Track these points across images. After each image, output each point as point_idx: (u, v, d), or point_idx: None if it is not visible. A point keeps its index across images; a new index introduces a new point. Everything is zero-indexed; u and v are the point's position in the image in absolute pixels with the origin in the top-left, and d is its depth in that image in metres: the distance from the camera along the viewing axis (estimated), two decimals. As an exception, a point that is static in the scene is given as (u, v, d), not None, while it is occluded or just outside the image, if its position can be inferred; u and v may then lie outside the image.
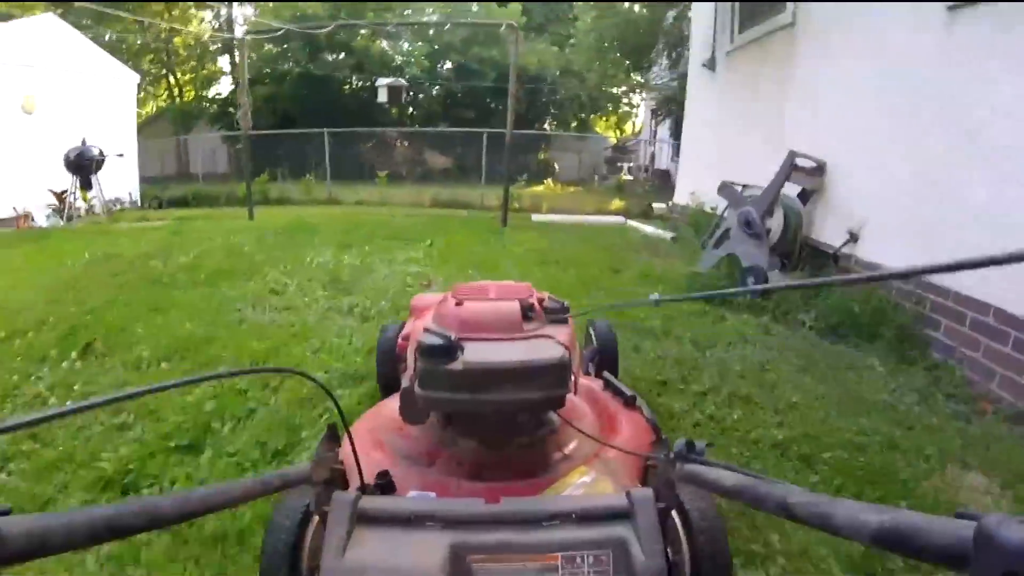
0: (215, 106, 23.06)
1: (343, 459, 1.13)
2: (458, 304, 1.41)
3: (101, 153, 10.31)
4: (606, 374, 1.83)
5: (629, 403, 1.62)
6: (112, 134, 11.45)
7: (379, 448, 1.41)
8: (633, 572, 0.89)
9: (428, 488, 1.28)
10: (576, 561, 0.92)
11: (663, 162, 21.20)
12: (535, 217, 10.59)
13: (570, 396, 1.27)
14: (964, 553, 0.48)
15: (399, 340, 2.32)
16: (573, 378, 1.26)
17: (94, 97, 11.59)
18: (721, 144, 7.74)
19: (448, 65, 22.94)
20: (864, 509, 0.59)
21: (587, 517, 0.96)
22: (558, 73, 22.72)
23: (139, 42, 21.12)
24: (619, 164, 23.19)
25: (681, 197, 9.49)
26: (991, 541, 0.46)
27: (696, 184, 8.34)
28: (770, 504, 0.72)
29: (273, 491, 0.98)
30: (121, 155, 10.99)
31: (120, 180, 11.81)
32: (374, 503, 0.98)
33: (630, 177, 20.47)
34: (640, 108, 26.67)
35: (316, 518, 1.08)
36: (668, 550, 0.95)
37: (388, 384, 2.55)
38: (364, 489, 1.12)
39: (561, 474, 1.32)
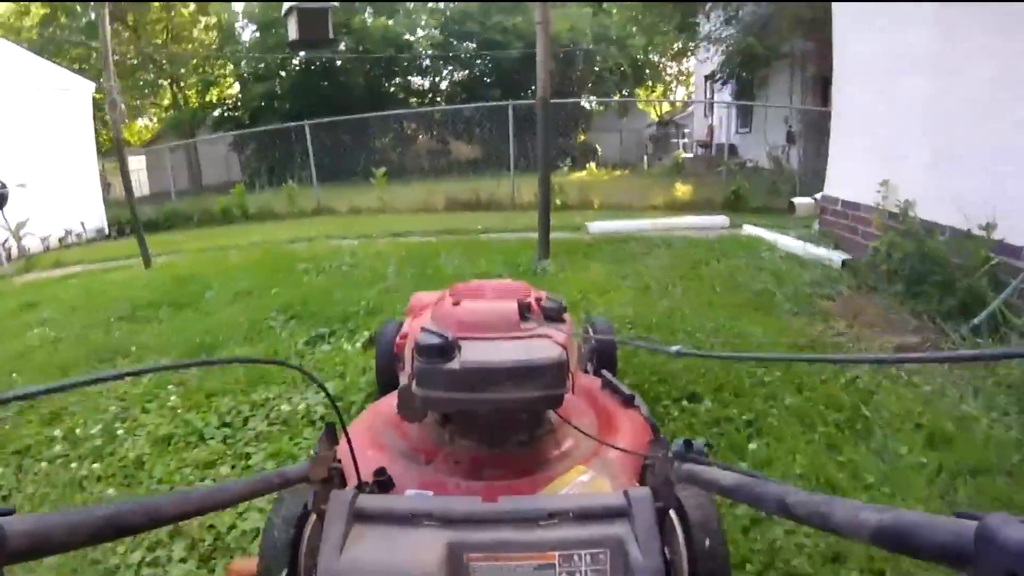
0: (222, 110, 22.72)
1: (341, 458, 1.13)
2: (455, 303, 1.44)
3: (2, 185, 8.66)
4: (604, 373, 1.76)
5: (627, 402, 1.58)
6: (64, 154, 10.68)
7: (377, 446, 1.40)
8: (630, 571, 0.90)
9: (426, 486, 1.27)
10: (573, 560, 0.92)
11: (725, 135, 18.89)
12: (593, 228, 7.88)
13: (568, 395, 1.25)
14: (965, 552, 0.48)
15: (397, 339, 2.21)
16: (571, 377, 1.26)
17: (37, 114, 10.36)
18: (951, 98, 4.63)
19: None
20: (864, 508, 0.59)
21: (585, 516, 0.96)
22: (590, 43, 20.15)
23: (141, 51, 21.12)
24: (672, 140, 19.40)
25: (838, 188, 6.43)
26: (993, 541, 0.46)
27: (880, 170, 5.33)
28: (769, 503, 0.73)
29: (272, 490, 1.01)
30: (23, 185, 9.15)
31: (76, 207, 10.78)
32: (372, 501, 1.00)
33: (688, 155, 16.83)
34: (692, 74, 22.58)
35: (314, 517, 1.09)
36: (666, 549, 0.96)
37: (386, 382, 2.58)
38: (362, 487, 1.14)
39: (559, 473, 1.29)
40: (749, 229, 6.96)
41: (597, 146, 20.91)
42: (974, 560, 0.47)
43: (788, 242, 6.03)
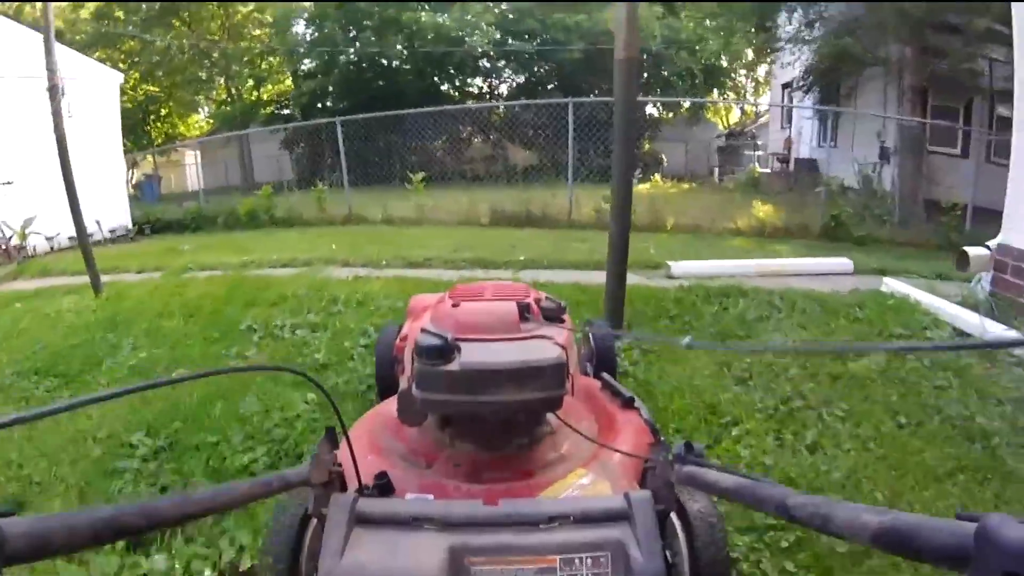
0: (273, 107, 22.53)
1: (341, 461, 1.16)
2: (455, 305, 1.47)
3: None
4: (604, 375, 1.77)
5: (627, 404, 1.58)
6: (89, 146, 9.70)
7: (377, 450, 1.42)
8: (631, 574, 0.92)
9: (426, 490, 1.28)
10: (574, 563, 0.93)
11: (804, 149, 17.48)
12: (677, 268, 6.07)
13: (568, 397, 1.26)
14: (965, 553, 0.49)
15: (397, 341, 2.21)
16: (571, 379, 1.31)
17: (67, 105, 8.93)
18: None
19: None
20: (864, 511, 0.61)
21: (585, 519, 0.98)
22: (658, 45, 18.93)
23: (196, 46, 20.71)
24: (745, 153, 17.74)
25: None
26: (992, 541, 0.46)
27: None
28: (769, 506, 0.75)
29: (273, 493, 1.03)
30: (10, 183, 8.95)
31: (96, 204, 9.57)
32: (372, 505, 1.03)
33: (765, 170, 14.99)
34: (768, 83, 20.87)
35: (315, 520, 1.14)
36: (667, 552, 0.98)
37: (385, 387, 2.62)
38: (362, 491, 1.17)
39: (559, 476, 1.30)
40: (893, 284, 5.33)
41: (663, 156, 19.84)
42: (973, 560, 0.47)
43: (956, 313, 4.41)
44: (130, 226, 11.27)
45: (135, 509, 0.70)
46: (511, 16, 19.63)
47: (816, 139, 17.04)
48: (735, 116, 26.83)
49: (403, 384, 1.52)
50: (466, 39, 18.95)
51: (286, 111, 22.08)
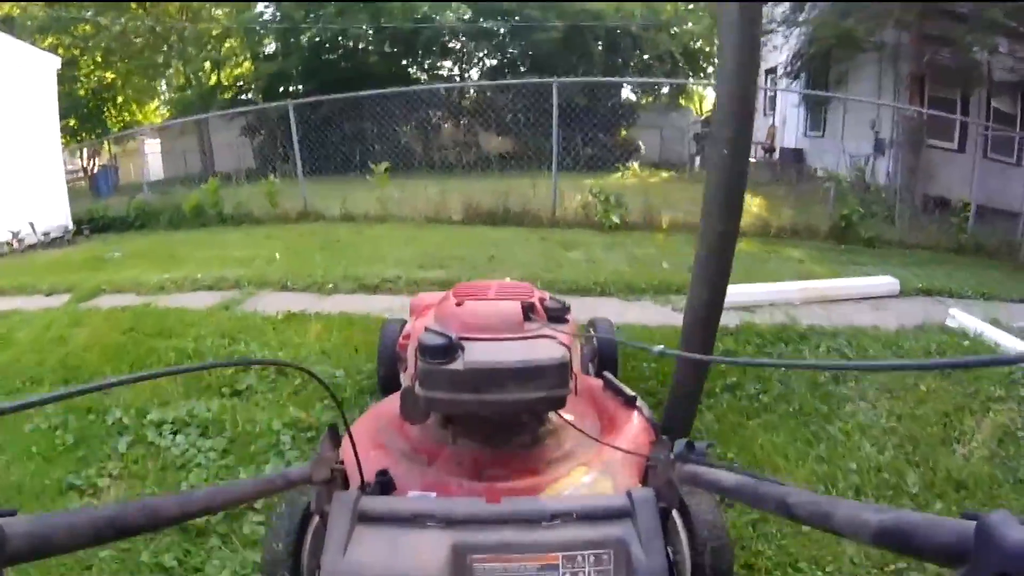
0: (232, 92, 20.91)
1: (344, 459, 1.16)
2: (459, 304, 1.45)
3: None
4: (606, 374, 1.77)
5: (630, 403, 1.58)
6: (21, 138, 8.98)
7: (380, 448, 1.42)
8: (634, 571, 0.92)
9: (429, 488, 1.28)
10: (577, 560, 0.92)
11: (790, 138, 16.68)
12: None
13: (571, 396, 1.27)
14: (964, 552, 0.48)
15: (400, 339, 2.31)
16: (574, 378, 1.30)
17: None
18: None
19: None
20: (864, 509, 0.60)
21: (588, 517, 0.98)
22: (637, 25, 18.03)
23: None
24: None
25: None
26: (991, 540, 0.45)
27: None
28: (770, 504, 0.74)
29: (276, 491, 1.04)
30: None
31: (33, 202, 9.18)
32: (374, 502, 1.02)
33: (751, 159, 13.52)
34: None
35: (317, 517, 1.13)
36: (669, 549, 0.99)
37: (388, 385, 2.62)
38: (364, 488, 1.17)
39: (562, 474, 1.31)
40: (962, 318, 4.51)
41: (640, 143, 18.76)
42: (970, 559, 0.47)
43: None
44: (70, 226, 10.12)
45: (137, 508, 0.70)
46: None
47: (803, 128, 16.53)
48: (709, 103, 26.03)
49: (406, 382, 1.52)
50: (436, 16, 18.16)
51: (247, 96, 21.13)
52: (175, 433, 3.02)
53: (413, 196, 9.79)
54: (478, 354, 1.17)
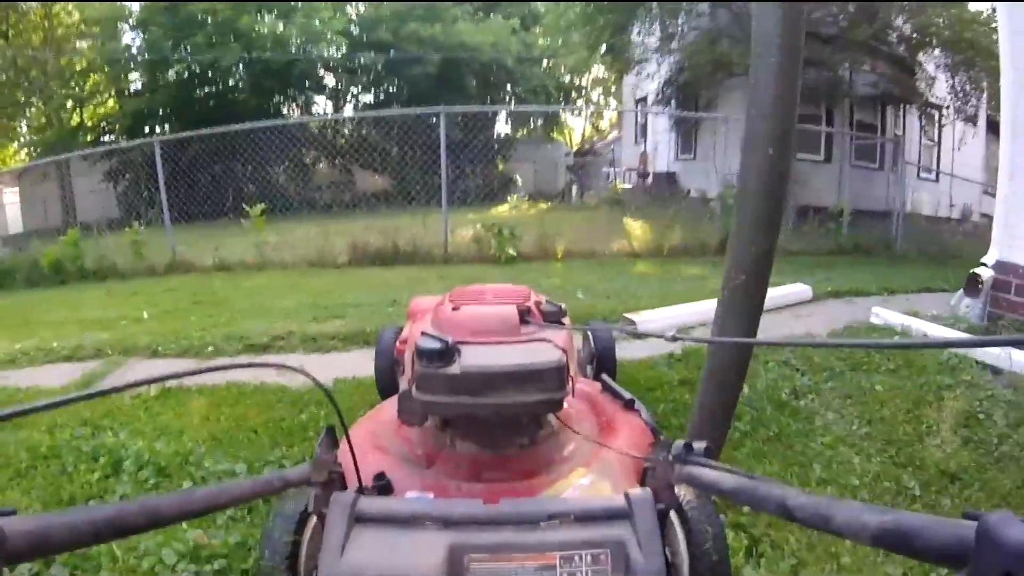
0: (95, 133, 19.06)
1: (342, 461, 1.15)
2: (455, 308, 1.47)
3: None
4: (604, 377, 1.77)
5: (628, 406, 1.59)
6: None
7: (377, 450, 1.41)
8: (631, 572, 0.93)
9: (426, 489, 1.28)
10: (574, 561, 0.92)
11: (662, 163, 17.12)
12: (643, 323, 4.68)
13: (568, 399, 1.30)
14: (965, 553, 0.47)
15: (397, 343, 2.29)
16: (571, 381, 1.31)
17: None
18: None
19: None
20: (865, 510, 0.60)
21: (585, 517, 0.98)
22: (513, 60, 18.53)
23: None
24: (604, 170, 17.50)
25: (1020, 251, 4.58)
26: (992, 540, 0.45)
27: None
28: (769, 506, 0.74)
29: (274, 492, 1.03)
30: None
31: None
32: (372, 504, 1.02)
33: (628, 185, 14.51)
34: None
35: (314, 519, 1.11)
36: (667, 550, 1.00)
37: (386, 388, 2.63)
38: (362, 490, 1.16)
39: (559, 476, 1.32)
40: (886, 315, 4.71)
41: (517, 176, 19.41)
42: (971, 560, 0.46)
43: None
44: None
45: (136, 507, 0.70)
46: (361, 25, 18.52)
47: (675, 152, 17.35)
48: (577, 136, 27.02)
49: (403, 385, 1.51)
50: (310, 47, 17.72)
51: (111, 137, 19.56)
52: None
53: (292, 240, 9.31)
54: (474, 358, 1.17)
